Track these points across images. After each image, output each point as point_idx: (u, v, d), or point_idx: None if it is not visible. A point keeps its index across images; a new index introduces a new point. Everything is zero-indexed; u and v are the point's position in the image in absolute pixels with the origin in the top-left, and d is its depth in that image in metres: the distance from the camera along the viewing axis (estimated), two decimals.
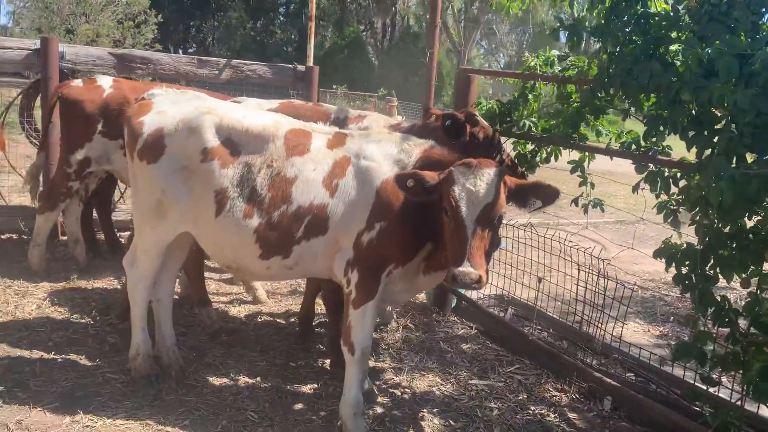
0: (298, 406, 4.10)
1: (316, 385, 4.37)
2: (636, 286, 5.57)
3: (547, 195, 3.42)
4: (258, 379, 4.39)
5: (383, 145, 3.75)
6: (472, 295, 5.79)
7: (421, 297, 6.09)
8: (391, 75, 42.50)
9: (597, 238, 7.78)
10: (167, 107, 3.84)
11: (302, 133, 3.82)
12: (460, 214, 3.24)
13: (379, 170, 3.65)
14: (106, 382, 4.13)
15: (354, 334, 3.74)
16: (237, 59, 8.40)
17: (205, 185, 3.67)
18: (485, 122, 4.47)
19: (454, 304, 5.92)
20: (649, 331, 6.10)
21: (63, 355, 4.46)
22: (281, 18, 55.16)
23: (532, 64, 4.75)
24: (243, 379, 4.35)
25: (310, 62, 8.25)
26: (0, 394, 3.81)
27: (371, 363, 4.78)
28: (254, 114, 3.91)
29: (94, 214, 6.75)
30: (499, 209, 3.32)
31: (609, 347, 4.82)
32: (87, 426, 3.61)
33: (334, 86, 30.40)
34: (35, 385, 4.00)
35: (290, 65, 8.06)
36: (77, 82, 5.90)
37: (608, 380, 4.41)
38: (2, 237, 6.84)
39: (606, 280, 4.49)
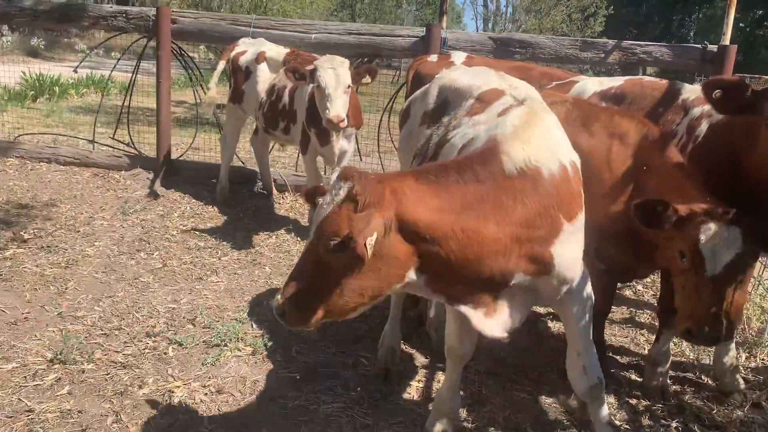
0: None
1: None
2: None
3: None
4: (509, 414, 3.61)
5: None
6: None
7: None
8: None
9: None
10: None
11: (495, 93, 3.07)
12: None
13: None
14: (356, 365, 3.98)
15: None
16: None
17: (412, 149, 3.55)
18: None
19: None
20: None
21: (353, 326, 4.46)
22: None
23: None
24: (488, 410, 3.63)
25: (726, 41, 6.55)
26: (257, 351, 4.04)
27: None
28: (480, 76, 3.36)
29: None
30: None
31: None
32: (301, 406, 3.50)
33: None
34: (297, 350, 4.12)
35: (698, 45, 6.54)
36: (432, 58, 5.91)
37: None
38: None
39: None
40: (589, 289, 2.92)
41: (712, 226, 2.86)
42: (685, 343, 4.39)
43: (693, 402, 3.84)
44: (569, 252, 2.62)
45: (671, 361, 3.96)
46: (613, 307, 4.66)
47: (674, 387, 3.96)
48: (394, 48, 7.21)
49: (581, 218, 2.66)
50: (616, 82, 4.50)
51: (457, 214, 2.35)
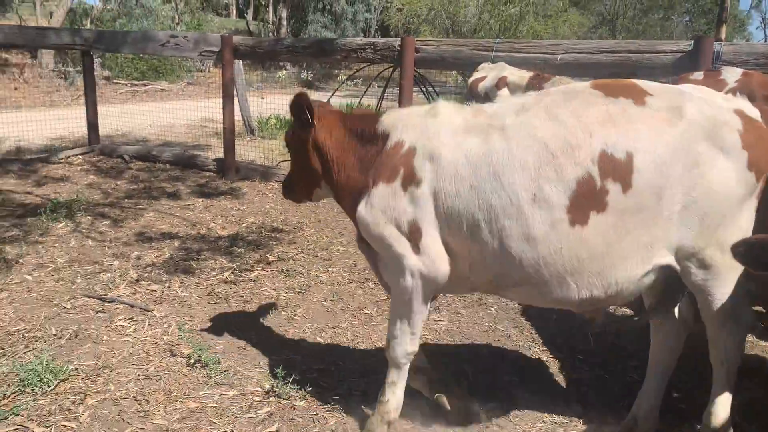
0: None
1: None
2: None
3: None
4: None
5: None
6: None
7: None
8: None
9: None
10: None
11: None
12: None
13: None
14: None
15: None
16: None
17: None
18: None
19: None
20: None
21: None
22: None
23: None
24: None
25: None
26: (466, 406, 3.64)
27: None
28: None
29: None
30: None
31: None
32: None
33: None
34: (515, 413, 3.64)
35: None
36: (696, 75, 5.00)
37: None
38: None
39: None
40: (401, 291, 3.09)
41: None
42: None
43: None
44: (367, 212, 3.04)
45: None
46: None
47: None
48: (654, 65, 6.34)
49: (384, 189, 2.99)
50: None
51: (345, 149, 3.26)
